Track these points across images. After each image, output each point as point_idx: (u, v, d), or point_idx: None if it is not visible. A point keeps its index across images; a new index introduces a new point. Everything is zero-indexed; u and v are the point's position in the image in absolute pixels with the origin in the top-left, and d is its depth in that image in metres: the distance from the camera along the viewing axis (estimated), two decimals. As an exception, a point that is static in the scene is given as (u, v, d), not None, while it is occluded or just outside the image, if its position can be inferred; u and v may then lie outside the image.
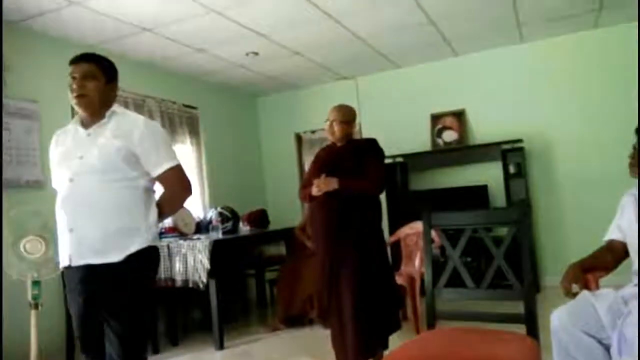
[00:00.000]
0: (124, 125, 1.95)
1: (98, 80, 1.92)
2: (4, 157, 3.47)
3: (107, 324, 1.87)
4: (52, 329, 3.41)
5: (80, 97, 1.90)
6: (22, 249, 2.84)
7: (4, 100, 3.49)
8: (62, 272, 1.99)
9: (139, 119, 2.02)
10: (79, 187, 1.87)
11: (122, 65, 5.02)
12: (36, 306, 3.21)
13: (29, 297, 3.23)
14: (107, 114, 1.96)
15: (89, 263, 1.86)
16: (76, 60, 1.94)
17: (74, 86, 1.90)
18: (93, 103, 1.93)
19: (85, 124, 1.97)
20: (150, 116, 4.69)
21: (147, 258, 1.95)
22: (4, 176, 3.44)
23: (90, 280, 1.88)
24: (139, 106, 4.57)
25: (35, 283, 3.15)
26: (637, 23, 4.34)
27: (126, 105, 4.42)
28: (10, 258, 2.99)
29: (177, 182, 2.04)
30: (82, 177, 1.87)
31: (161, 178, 2.00)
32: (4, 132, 3.48)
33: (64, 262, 1.91)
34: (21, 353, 3.23)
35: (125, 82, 4.39)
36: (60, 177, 1.93)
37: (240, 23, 3.94)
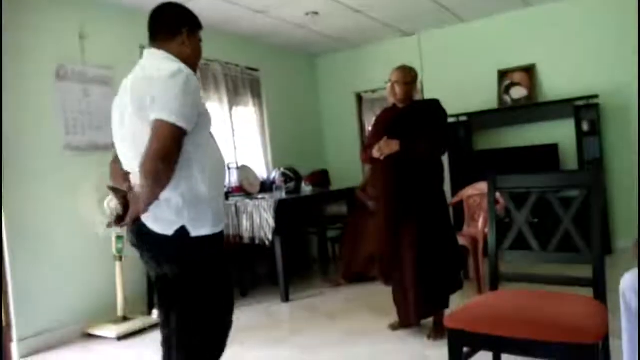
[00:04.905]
0: None
1: None
2: (83, 121, 3.71)
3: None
4: (135, 279, 3.72)
5: None
6: (106, 207, 3.10)
7: (83, 67, 3.71)
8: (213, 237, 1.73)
9: None
10: None
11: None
12: (120, 258, 3.54)
13: (114, 251, 3.55)
14: None
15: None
16: None
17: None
18: None
19: None
20: (215, 80, 4.82)
21: None
22: (82, 140, 3.67)
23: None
24: (204, 70, 4.69)
25: (119, 237, 3.46)
26: None
27: (192, 69, 4.55)
28: (96, 216, 3.28)
29: None
30: None
31: None
32: (83, 98, 3.71)
33: (219, 226, 1.74)
34: (109, 300, 3.58)
35: (191, 47, 4.56)
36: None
37: (301, -17, 3.92)
